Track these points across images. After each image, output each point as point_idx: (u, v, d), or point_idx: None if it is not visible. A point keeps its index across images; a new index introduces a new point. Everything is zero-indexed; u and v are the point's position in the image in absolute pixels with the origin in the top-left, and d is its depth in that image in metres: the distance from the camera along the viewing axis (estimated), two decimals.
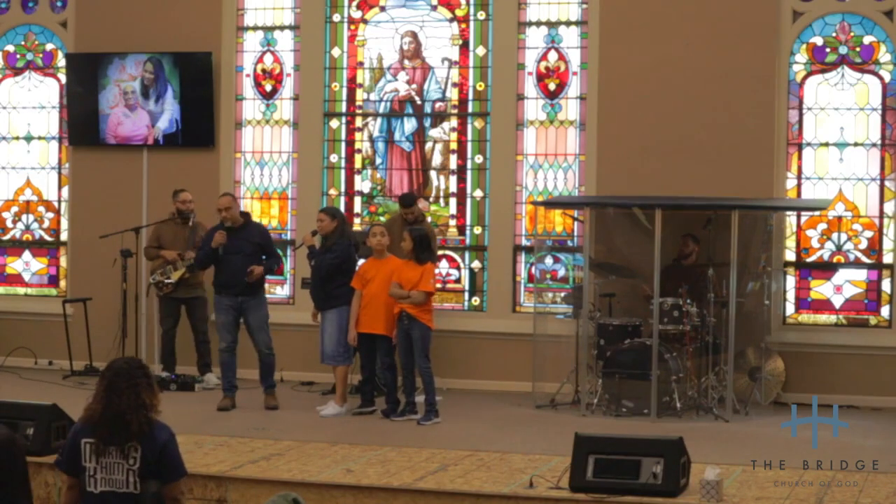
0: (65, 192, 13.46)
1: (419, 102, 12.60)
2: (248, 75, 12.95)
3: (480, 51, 12.42)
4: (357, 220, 12.56)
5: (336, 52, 12.73)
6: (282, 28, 12.91)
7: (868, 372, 11.30)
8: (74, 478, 5.56)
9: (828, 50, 11.67)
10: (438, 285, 12.14)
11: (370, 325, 10.47)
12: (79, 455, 5.51)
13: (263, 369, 10.89)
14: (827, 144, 11.67)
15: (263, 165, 12.96)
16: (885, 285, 11.53)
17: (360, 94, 12.73)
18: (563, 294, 12.05)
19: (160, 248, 11.99)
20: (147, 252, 12.15)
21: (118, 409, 5.42)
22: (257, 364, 10.94)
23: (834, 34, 11.64)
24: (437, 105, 12.58)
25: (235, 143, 12.94)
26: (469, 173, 12.48)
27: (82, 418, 5.57)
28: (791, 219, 11.69)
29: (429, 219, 12.14)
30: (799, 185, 11.70)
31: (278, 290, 12.78)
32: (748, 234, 10.98)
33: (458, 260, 12.53)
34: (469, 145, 12.48)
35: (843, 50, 11.62)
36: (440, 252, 12.29)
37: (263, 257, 10.84)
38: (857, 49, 11.61)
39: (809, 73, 11.70)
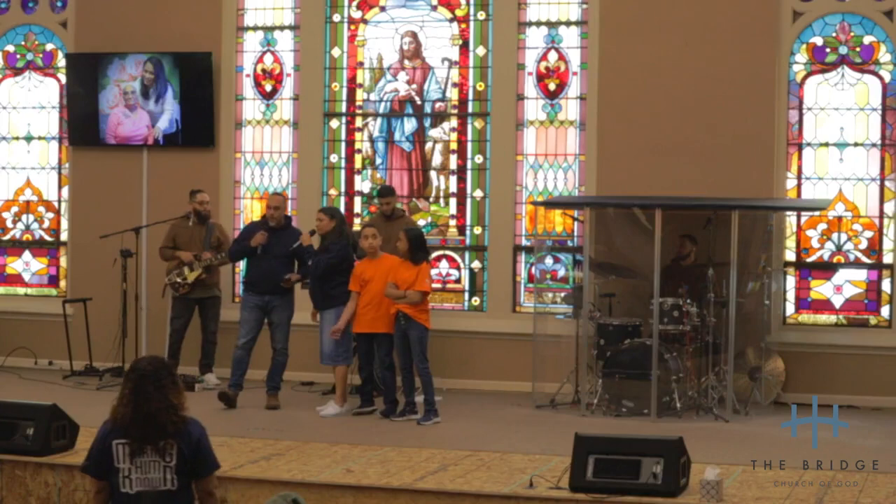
0: (65, 192, 13.46)
1: (419, 102, 12.60)
2: (248, 75, 12.95)
3: (480, 51, 12.42)
4: (357, 221, 12.55)
5: (336, 52, 12.73)
6: (282, 28, 12.91)
7: (868, 372, 11.30)
8: (103, 481, 5.50)
9: (828, 50, 11.67)
10: (438, 285, 12.18)
11: (370, 324, 10.48)
12: (109, 457, 5.45)
13: (273, 368, 10.95)
14: (827, 144, 11.66)
15: (263, 165, 12.96)
16: (885, 285, 11.52)
17: (360, 94, 12.72)
18: (563, 294, 12.05)
19: (175, 249, 11.95)
20: (162, 253, 12.07)
21: (148, 412, 5.38)
22: (263, 364, 11.04)
23: (834, 34, 11.63)
24: (437, 105, 12.58)
25: (235, 143, 12.94)
26: (469, 173, 12.48)
27: (110, 421, 5.50)
28: (791, 219, 11.69)
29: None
30: (799, 185, 11.70)
31: None
32: (748, 234, 10.98)
33: (458, 260, 12.52)
34: (469, 145, 12.48)
35: (843, 50, 11.62)
36: (440, 252, 12.31)
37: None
38: (857, 49, 11.61)
39: (809, 73, 11.70)
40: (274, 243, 10.90)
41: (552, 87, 12.24)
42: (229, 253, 11.51)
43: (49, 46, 13.57)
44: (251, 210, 12.83)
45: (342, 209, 12.15)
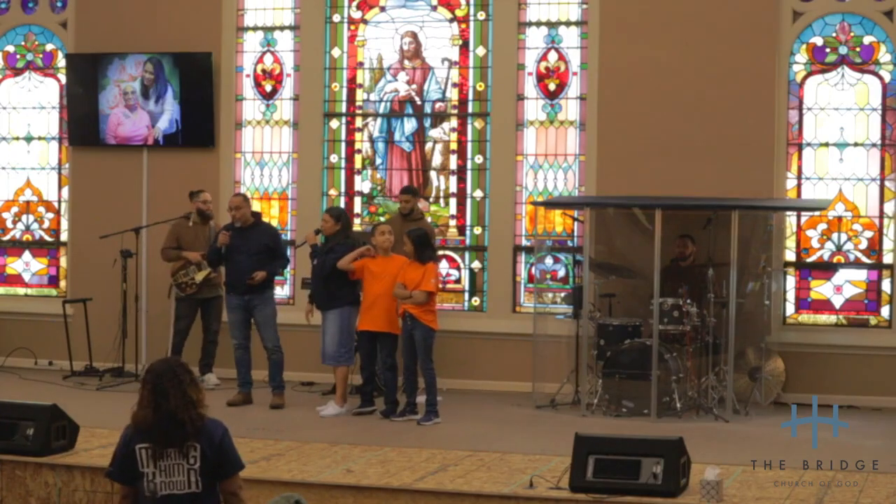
0: (65, 192, 13.46)
1: (419, 103, 12.60)
2: (247, 75, 12.95)
3: (480, 51, 12.42)
4: (357, 221, 12.55)
5: (336, 52, 12.73)
6: (282, 28, 12.91)
7: (868, 372, 11.30)
8: (129, 486, 5.47)
9: (828, 50, 11.67)
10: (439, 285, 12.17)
11: (373, 323, 10.48)
12: (134, 462, 5.41)
13: (272, 368, 11.01)
14: (827, 144, 11.67)
15: (263, 166, 12.96)
16: (885, 285, 11.52)
17: (360, 95, 12.73)
18: (563, 294, 12.05)
19: (180, 249, 11.92)
20: (166, 253, 11.97)
21: (168, 410, 5.35)
22: (266, 363, 11.07)
23: (834, 34, 11.63)
24: (437, 105, 12.58)
25: (235, 144, 12.94)
26: (469, 173, 12.48)
27: (132, 425, 5.46)
28: (791, 219, 11.69)
29: (429, 219, 12.16)
30: (799, 185, 11.70)
31: (278, 291, 12.71)
32: (748, 234, 10.98)
33: (458, 260, 12.52)
34: (469, 145, 12.48)
35: (843, 50, 11.62)
36: (440, 252, 12.29)
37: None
38: (857, 49, 11.61)
39: (809, 73, 11.70)
40: (243, 242, 10.88)
41: (552, 87, 12.24)
42: (207, 260, 11.46)
43: (49, 47, 13.57)
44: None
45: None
